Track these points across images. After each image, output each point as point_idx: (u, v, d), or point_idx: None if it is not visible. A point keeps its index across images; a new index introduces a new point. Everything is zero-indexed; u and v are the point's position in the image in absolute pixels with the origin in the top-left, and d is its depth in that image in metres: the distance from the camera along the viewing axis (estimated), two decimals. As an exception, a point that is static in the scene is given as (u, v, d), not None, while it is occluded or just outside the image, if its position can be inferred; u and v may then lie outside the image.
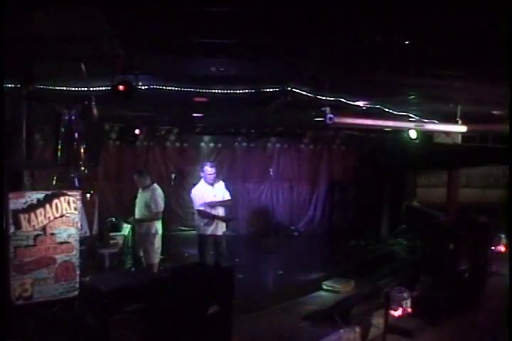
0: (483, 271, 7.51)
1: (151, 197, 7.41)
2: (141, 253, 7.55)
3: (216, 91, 5.86)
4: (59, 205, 4.58)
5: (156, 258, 7.46)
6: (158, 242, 7.46)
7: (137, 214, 7.51)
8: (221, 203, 7.45)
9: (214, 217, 7.34)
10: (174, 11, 3.10)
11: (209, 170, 7.44)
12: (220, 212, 7.47)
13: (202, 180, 7.49)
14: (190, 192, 7.64)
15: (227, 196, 7.57)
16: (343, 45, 3.89)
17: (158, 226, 7.50)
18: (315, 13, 3.05)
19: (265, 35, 3.66)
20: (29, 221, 4.37)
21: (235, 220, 8.93)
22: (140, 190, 7.70)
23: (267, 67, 4.89)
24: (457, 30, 3.32)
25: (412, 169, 12.27)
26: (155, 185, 7.62)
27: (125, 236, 8.04)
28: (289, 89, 5.69)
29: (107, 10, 3.05)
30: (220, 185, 7.58)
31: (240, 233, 11.91)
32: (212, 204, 7.34)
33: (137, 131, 11.13)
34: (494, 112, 7.47)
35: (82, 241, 5.18)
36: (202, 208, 7.29)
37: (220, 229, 7.44)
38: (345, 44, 3.84)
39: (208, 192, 7.37)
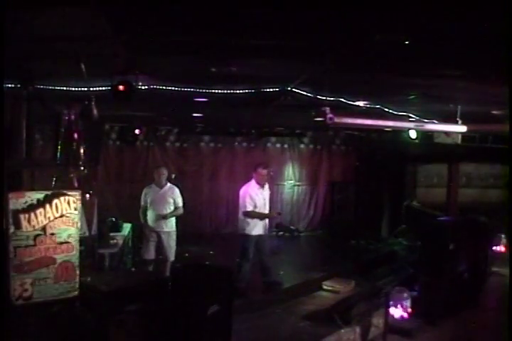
0: (483, 271, 7.50)
1: (174, 193, 7.65)
2: (152, 253, 7.65)
3: (216, 91, 5.86)
4: (59, 205, 4.58)
5: (174, 255, 7.66)
6: None
7: (164, 212, 7.62)
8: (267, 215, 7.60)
9: (265, 216, 7.45)
10: (175, 10, 3.10)
11: (264, 171, 7.50)
12: (266, 210, 7.59)
13: (252, 181, 7.51)
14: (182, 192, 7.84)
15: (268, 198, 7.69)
16: (343, 45, 3.89)
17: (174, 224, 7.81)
18: (314, 13, 3.05)
19: (266, 36, 3.66)
20: (29, 221, 4.37)
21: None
22: (156, 189, 7.75)
23: (268, 67, 4.89)
24: (457, 29, 3.32)
25: (412, 169, 12.27)
26: (169, 183, 7.81)
27: (125, 236, 8.05)
28: (289, 89, 5.69)
29: (107, 9, 3.05)
30: (267, 186, 7.64)
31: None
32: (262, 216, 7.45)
33: (137, 131, 11.14)
34: (494, 112, 7.47)
35: (82, 241, 5.18)
36: (251, 209, 7.34)
37: (264, 228, 7.54)
38: (345, 43, 3.84)
39: (259, 193, 7.43)
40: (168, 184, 7.83)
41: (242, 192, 7.46)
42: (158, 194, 7.68)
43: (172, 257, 7.67)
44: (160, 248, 7.69)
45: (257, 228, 7.38)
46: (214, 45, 4.00)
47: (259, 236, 7.44)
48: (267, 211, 7.58)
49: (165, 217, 7.58)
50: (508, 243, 8.30)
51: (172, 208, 7.69)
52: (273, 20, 3.20)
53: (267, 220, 7.57)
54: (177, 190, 7.78)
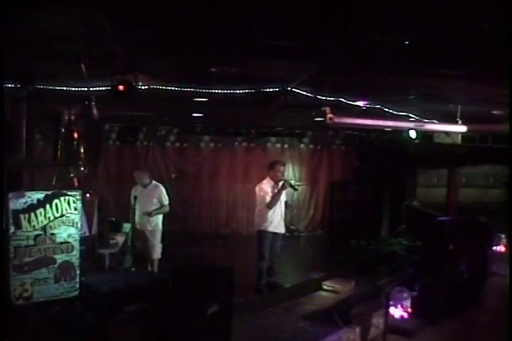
0: (483, 271, 7.50)
1: (158, 192, 7.65)
2: (141, 250, 7.64)
3: (216, 91, 5.86)
4: (59, 205, 4.58)
5: (159, 254, 7.64)
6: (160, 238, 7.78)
7: (148, 210, 7.62)
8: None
9: (278, 196, 7.40)
10: (176, 10, 3.10)
11: (282, 168, 7.55)
12: (282, 208, 7.61)
13: (267, 179, 7.54)
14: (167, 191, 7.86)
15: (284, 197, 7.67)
16: (343, 45, 3.89)
17: (161, 222, 7.79)
18: (314, 13, 3.05)
19: (268, 37, 3.66)
20: (29, 221, 4.38)
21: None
22: (140, 188, 7.79)
23: (268, 67, 4.89)
24: (457, 29, 3.32)
25: (412, 169, 12.27)
26: (154, 181, 7.81)
27: (126, 235, 8.04)
28: (289, 89, 5.69)
29: (107, 9, 3.05)
30: (281, 184, 7.63)
31: (240, 233, 11.93)
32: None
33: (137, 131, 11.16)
34: (494, 112, 7.47)
35: (82, 241, 5.18)
36: (262, 206, 7.39)
37: (280, 227, 7.57)
38: (345, 44, 3.84)
39: (273, 191, 7.42)
40: (153, 182, 7.86)
41: (257, 189, 7.51)
42: (143, 193, 7.72)
43: (157, 255, 7.68)
44: (145, 246, 7.69)
45: (274, 224, 7.42)
46: (214, 45, 4.00)
47: (275, 234, 7.48)
48: (282, 208, 7.59)
49: (149, 214, 7.59)
50: (508, 243, 8.29)
51: (155, 207, 7.71)
52: (273, 20, 3.20)
53: (283, 217, 7.60)
54: (162, 189, 7.82)
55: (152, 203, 7.71)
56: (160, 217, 7.84)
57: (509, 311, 5.70)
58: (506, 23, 2.97)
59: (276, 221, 7.48)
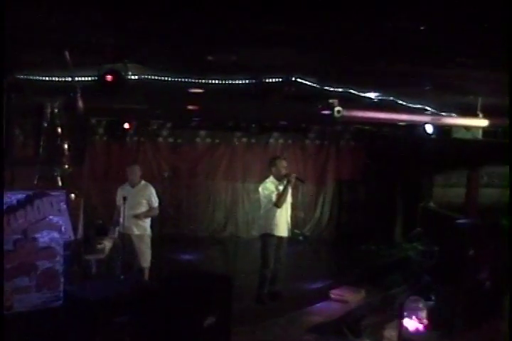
0: (506, 279, 7.51)
1: (147, 192, 7.62)
2: (128, 256, 7.61)
3: (213, 81, 5.87)
4: (41, 207, 4.58)
5: (149, 261, 7.60)
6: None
7: (135, 212, 7.58)
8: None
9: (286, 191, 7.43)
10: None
11: (282, 163, 7.58)
12: (288, 206, 7.61)
13: (270, 177, 7.55)
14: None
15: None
16: (354, 32, 3.90)
17: (149, 226, 7.74)
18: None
19: (269, 22, 3.66)
20: (8, 223, 4.38)
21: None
22: (128, 188, 7.76)
23: (271, 56, 4.90)
24: (475, 13, 3.33)
25: (428, 167, 12.27)
26: (143, 181, 7.78)
27: (113, 241, 8.05)
28: (293, 79, 5.69)
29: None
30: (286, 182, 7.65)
31: (241, 236, 11.95)
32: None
33: (126, 126, 11.16)
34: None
35: (66, 245, 5.18)
36: (268, 207, 7.39)
37: (286, 230, 7.56)
38: (356, 31, 3.85)
39: (278, 189, 7.42)
40: (142, 182, 7.79)
41: (261, 189, 7.53)
42: (130, 193, 7.64)
43: (146, 263, 7.61)
44: (132, 252, 7.63)
45: (280, 227, 7.41)
46: (211, 31, 4.01)
47: (280, 238, 7.47)
48: (289, 210, 7.61)
49: (137, 217, 7.54)
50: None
51: (144, 209, 7.66)
52: (277, 4, 3.20)
53: (289, 219, 7.60)
54: (151, 189, 7.76)
55: (141, 205, 7.65)
56: (148, 221, 7.77)
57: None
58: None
59: (282, 223, 7.47)
